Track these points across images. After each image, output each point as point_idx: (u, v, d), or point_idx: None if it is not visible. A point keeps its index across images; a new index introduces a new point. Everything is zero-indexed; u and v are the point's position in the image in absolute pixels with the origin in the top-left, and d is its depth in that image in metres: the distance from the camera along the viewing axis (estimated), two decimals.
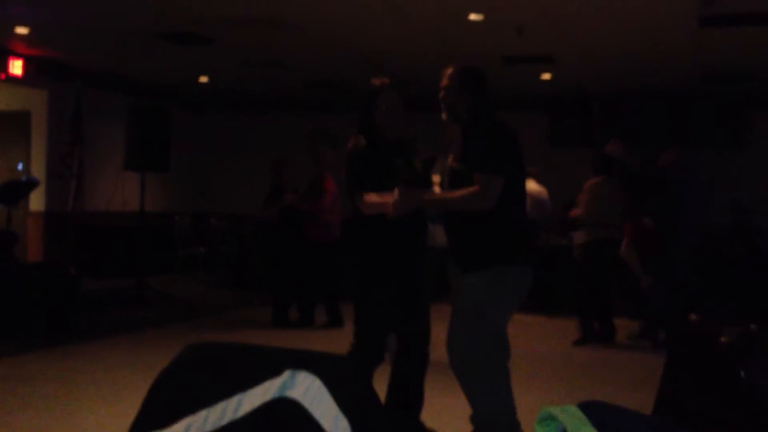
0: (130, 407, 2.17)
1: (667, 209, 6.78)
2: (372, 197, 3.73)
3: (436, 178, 3.94)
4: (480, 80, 3.64)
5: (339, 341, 7.25)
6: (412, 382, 3.91)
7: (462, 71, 3.64)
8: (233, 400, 1.82)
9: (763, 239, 8.49)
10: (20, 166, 10.87)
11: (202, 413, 1.81)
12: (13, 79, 9.92)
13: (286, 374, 1.80)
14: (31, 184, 8.98)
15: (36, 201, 10.49)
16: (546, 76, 10.25)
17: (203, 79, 11.36)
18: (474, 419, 3.49)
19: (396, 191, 3.57)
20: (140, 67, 10.61)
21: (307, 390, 1.77)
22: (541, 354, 6.71)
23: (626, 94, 11.24)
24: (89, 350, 6.40)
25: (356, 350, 3.81)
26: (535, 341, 7.19)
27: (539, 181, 8.60)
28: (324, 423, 1.74)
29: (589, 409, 1.66)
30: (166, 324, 7.80)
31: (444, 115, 3.67)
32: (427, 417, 4.05)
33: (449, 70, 3.66)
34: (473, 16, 7.40)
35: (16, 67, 9.85)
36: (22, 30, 8.50)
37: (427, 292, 3.97)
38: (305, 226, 7.59)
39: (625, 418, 1.75)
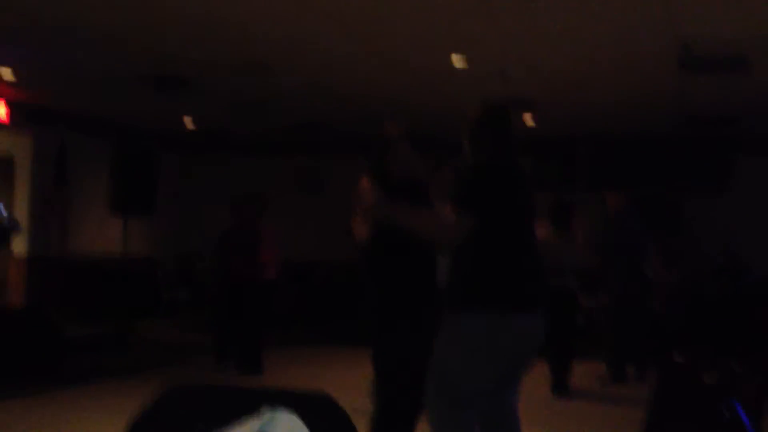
0: None
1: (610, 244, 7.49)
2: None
3: None
4: (502, 120, 3.59)
5: (322, 381, 7.20)
6: None
7: (485, 110, 3.59)
8: None
9: (751, 279, 8.55)
10: (2, 211, 10.82)
11: None
12: None
13: (267, 413, 1.78)
14: (14, 229, 8.93)
15: (18, 245, 10.42)
16: (529, 121, 10.35)
17: (188, 122, 11.40)
18: None
19: (376, 195, 3.55)
20: (124, 110, 10.65)
21: (287, 429, 1.75)
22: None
23: (610, 137, 11.36)
24: (72, 396, 6.32)
25: (390, 404, 3.59)
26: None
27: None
28: None
29: None
30: (149, 369, 7.73)
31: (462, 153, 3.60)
32: None
33: (476, 109, 3.61)
34: (457, 64, 7.50)
35: (0, 112, 9.84)
36: (5, 71, 8.45)
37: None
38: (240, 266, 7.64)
39: None
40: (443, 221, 3.36)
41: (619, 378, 7.38)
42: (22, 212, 10.50)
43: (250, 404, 1.81)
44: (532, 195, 3.51)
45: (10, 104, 9.88)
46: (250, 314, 7.58)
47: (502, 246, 3.35)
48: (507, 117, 3.61)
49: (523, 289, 3.31)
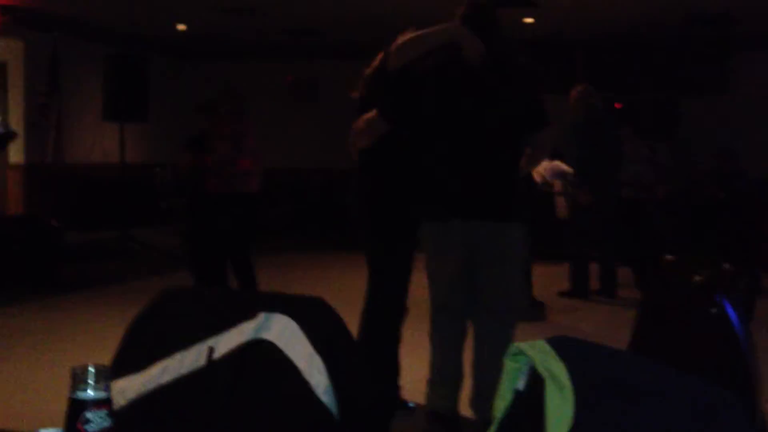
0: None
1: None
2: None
3: None
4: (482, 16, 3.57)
5: (318, 288, 7.32)
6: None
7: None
8: (209, 342, 1.83)
9: (744, 182, 8.55)
10: None
11: (178, 356, 1.82)
12: None
13: (261, 317, 1.81)
14: (9, 135, 8.86)
15: (15, 153, 10.38)
16: (529, 21, 10.15)
17: (181, 27, 11.19)
18: None
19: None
20: (117, 15, 10.43)
21: (282, 331, 1.78)
22: None
23: (609, 40, 11.17)
24: (73, 303, 6.41)
25: (377, 303, 3.73)
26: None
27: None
28: (299, 363, 1.76)
29: (558, 343, 1.68)
30: (150, 276, 7.82)
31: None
32: None
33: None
34: None
35: None
36: None
37: None
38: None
39: (594, 351, 1.77)
40: (357, 125, 3.54)
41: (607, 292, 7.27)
42: (16, 119, 10.42)
43: (245, 308, 1.85)
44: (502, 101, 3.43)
45: (1, 8, 9.68)
46: (229, 234, 6.31)
47: (427, 153, 3.52)
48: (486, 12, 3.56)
49: (447, 196, 3.48)
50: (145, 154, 12.43)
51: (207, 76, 13.31)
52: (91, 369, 1.24)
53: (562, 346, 1.62)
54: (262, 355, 1.78)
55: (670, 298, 3.15)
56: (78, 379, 1.23)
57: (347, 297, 6.82)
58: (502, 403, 1.64)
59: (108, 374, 1.28)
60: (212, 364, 1.79)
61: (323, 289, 6.52)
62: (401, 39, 3.54)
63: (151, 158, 12.43)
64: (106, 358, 1.86)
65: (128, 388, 1.81)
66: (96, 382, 1.24)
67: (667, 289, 3.20)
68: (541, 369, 1.53)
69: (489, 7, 3.61)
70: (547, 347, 1.60)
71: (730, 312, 2.82)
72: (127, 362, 1.89)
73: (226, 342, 1.83)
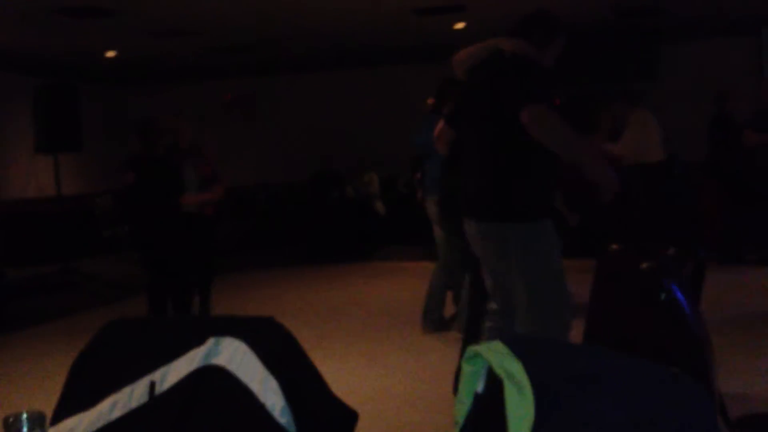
0: None
1: None
2: None
3: None
4: None
5: (270, 306, 7.24)
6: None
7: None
8: (158, 373, 1.78)
9: (679, 168, 8.73)
10: None
11: (127, 390, 1.76)
12: None
13: (211, 342, 1.77)
14: None
15: None
16: (459, 26, 10.24)
17: (110, 54, 10.99)
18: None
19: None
20: (45, 44, 10.20)
21: (233, 355, 1.74)
22: None
23: None
24: (20, 340, 6.24)
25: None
26: None
27: None
28: (252, 386, 1.72)
29: (513, 342, 1.67)
30: (96, 307, 7.64)
31: None
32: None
33: None
34: None
35: None
36: None
37: None
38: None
39: (550, 347, 1.76)
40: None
41: None
42: None
43: (194, 334, 1.80)
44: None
45: None
46: (197, 256, 6.32)
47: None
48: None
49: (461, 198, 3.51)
50: (82, 184, 12.16)
51: (141, 100, 13.14)
52: (25, 416, 1.18)
53: (518, 345, 1.61)
54: (214, 381, 1.74)
55: (619, 287, 3.19)
56: (11, 428, 1.17)
57: (299, 312, 6.80)
58: (462, 408, 1.62)
59: (42, 420, 1.22)
60: (158, 396, 1.74)
61: (275, 307, 6.44)
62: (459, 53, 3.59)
63: (88, 188, 12.18)
64: (55, 396, 1.80)
65: (77, 427, 1.75)
66: (30, 429, 1.19)
67: (615, 279, 3.23)
68: (498, 370, 1.52)
69: (531, 19, 3.59)
70: (503, 347, 1.59)
71: (679, 296, 2.85)
72: (74, 400, 1.83)
73: (175, 371, 1.78)
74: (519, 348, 1.57)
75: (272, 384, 1.72)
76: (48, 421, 1.24)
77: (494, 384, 1.49)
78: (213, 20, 9.20)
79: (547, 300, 3.15)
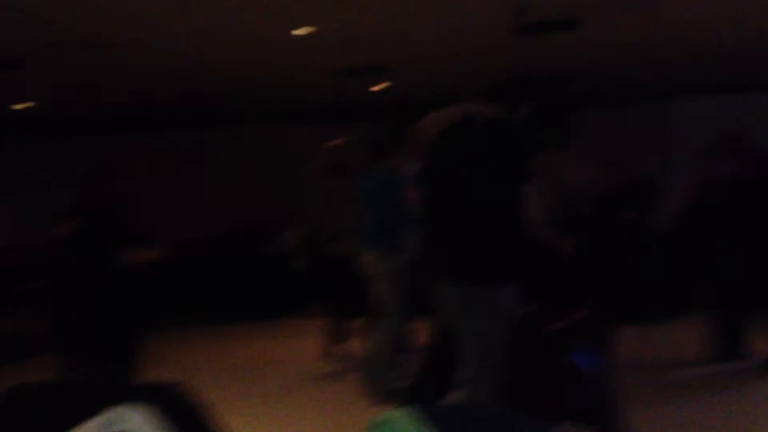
0: None
1: None
2: None
3: None
4: None
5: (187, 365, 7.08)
6: None
7: None
8: None
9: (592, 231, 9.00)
10: None
11: None
12: None
13: (116, 409, 1.75)
14: None
15: None
16: (379, 86, 10.41)
17: (28, 105, 10.76)
18: None
19: None
20: None
21: (140, 421, 1.72)
22: None
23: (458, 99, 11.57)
24: None
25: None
26: None
27: None
28: None
29: (421, 411, 1.70)
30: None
31: None
32: None
33: None
34: (300, 31, 7.42)
35: None
36: None
37: None
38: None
39: (457, 415, 1.79)
40: None
41: None
42: None
43: (99, 400, 1.77)
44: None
45: None
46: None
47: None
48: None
49: None
50: None
51: (65, 152, 12.80)
52: None
53: (426, 414, 1.65)
54: None
55: (529, 349, 3.26)
56: None
57: (216, 372, 6.67)
58: None
59: None
60: None
61: (189, 367, 6.29)
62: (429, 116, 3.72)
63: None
64: None
65: None
66: None
67: (526, 340, 3.30)
68: None
69: (502, 84, 3.77)
70: (409, 416, 1.62)
71: (584, 358, 2.94)
72: None
73: None
74: (427, 416, 1.60)
75: None
76: None
77: None
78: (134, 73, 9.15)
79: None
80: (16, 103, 10.61)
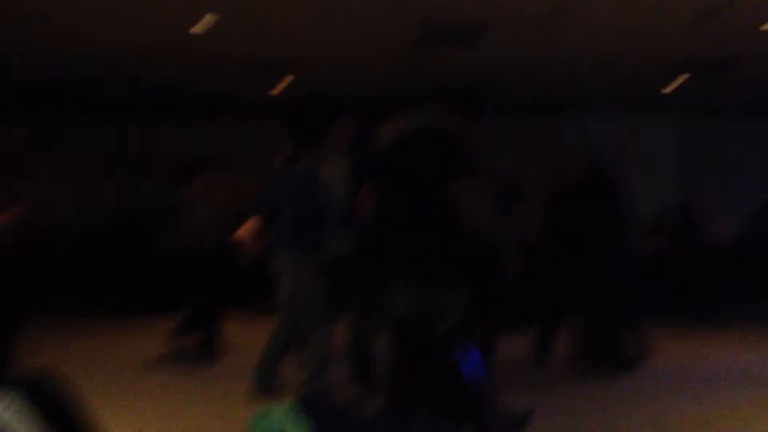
0: None
1: None
2: None
3: None
4: None
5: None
6: None
7: None
8: None
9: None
10: None
11: None
12: None
13: None
14: None
15: None
16: (283, 84, 10.32)
17: None
18: None
19: None
20: None
21: (7, 408, 1.68)
22: None
23: (364, 103, 11.54)
24: None
25: None
26: None
27: None
28: None
29: (302, 403, 1.73)
30: None
31: None
32: None
33: None
34: (197, 28, 7.31)
35: None
36: None
37: None
38: None
39: (339, 410, 1.82)
40: None
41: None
42: None
43: None
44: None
45: None
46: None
47: None
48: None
49: None
50: None
51: None
52: None
53: (306, 406, 1.67)
54: None
55: (414, 352, 3.32)
56: None
57: (102, 365, 6.48)
58: None
59: None
60: None
61: (75, 360, 6.09)
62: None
63: None
64: None
65: None
66: None
67: (411, 343, 3.36)
68: (288, 430, 1.56)
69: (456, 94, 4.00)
70: (290, 407, 1.64)
71: (467, 361, 3.01)
72: None
73: None
74: (307, 408, 1.62)
75: None
76: None
77: None
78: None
79: None
80: None
